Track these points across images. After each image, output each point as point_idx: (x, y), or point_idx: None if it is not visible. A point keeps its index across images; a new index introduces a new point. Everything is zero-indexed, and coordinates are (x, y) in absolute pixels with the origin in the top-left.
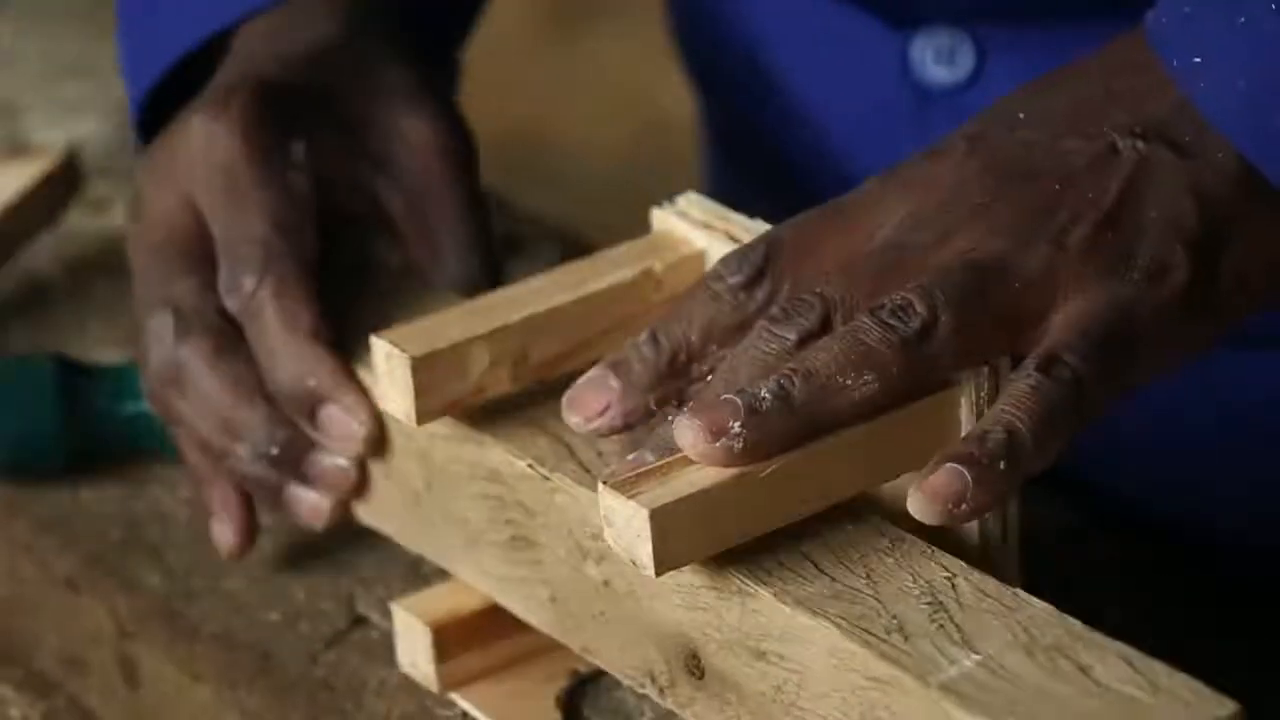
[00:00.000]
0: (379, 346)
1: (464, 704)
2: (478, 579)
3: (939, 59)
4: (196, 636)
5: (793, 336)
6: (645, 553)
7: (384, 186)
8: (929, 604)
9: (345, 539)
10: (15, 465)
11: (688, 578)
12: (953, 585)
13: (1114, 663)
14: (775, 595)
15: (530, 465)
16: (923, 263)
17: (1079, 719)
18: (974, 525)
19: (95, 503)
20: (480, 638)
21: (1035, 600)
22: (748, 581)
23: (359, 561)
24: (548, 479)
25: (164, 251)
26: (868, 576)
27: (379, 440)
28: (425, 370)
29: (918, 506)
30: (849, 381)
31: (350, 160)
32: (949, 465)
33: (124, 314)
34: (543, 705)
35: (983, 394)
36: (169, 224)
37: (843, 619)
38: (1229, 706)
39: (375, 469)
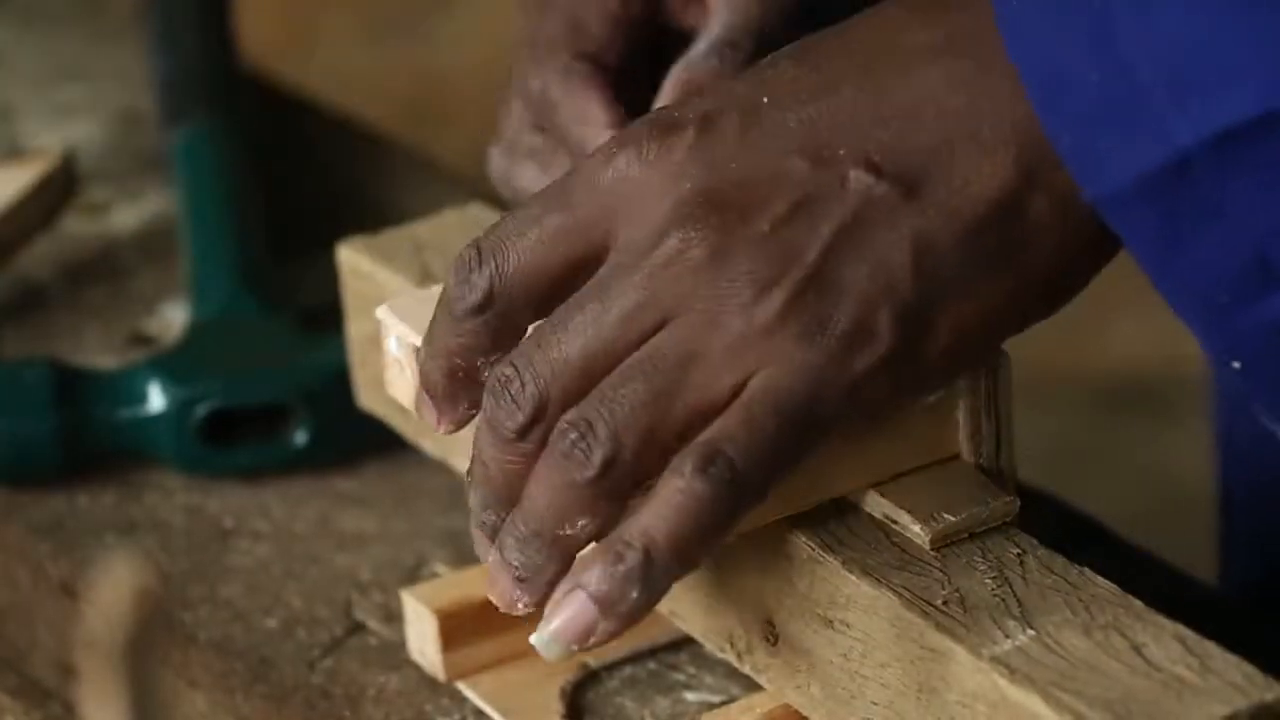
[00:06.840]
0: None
1: (469, 693)
2: None
3: None
4: (193, 643)
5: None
6: None
7: None
8: (994, 578)
9: (343, 545)
10: (10, 470)
11: (762, 544)
12: (1021, 561)
13: (1168, 642)
14: (843, 563)
15: None
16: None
17: (1125, 695)
18: (968, 441)
19: (91, 508)
20: (488, 628)
21: (1100, 579)
22: (817, 549)
23: (357, 568)
24: None
25: None
26: (938, 548)
27: None
28: None
29: (541, 646)
30: (570, 531)
31: None
32: (575, 596)
33: (120, 319)
34: (548, 697)
35: (980, 399)
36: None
37: (905, 589)
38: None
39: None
